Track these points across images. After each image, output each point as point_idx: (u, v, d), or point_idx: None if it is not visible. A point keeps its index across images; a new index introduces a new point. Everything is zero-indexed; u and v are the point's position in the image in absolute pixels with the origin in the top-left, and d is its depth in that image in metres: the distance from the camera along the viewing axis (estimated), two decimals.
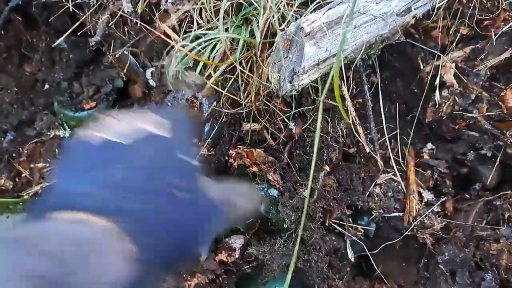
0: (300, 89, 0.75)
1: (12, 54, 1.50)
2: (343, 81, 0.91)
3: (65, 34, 1.14)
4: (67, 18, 1.33)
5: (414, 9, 0.80)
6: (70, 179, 0.53)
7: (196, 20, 0.85)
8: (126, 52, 1.26)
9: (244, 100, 0.87)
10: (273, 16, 0.75)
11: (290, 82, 0.74)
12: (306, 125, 1.01)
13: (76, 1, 1.07)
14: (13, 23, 1.36)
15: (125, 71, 1.28)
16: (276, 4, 0.75)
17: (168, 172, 0.56)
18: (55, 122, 1.39)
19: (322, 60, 0.73)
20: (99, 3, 0.99)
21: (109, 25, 0.97)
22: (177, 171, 0.57)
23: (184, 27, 0.90)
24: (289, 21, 0.78)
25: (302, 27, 0.70)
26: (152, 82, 1.31)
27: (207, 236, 0.58)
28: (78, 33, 1.23)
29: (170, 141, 0.59)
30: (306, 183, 0.97)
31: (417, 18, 0.83)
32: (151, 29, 0.92)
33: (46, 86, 1.48)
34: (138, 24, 0.97)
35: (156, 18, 0.90)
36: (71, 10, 1.14)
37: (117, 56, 1.23)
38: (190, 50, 0.84)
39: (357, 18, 0.74)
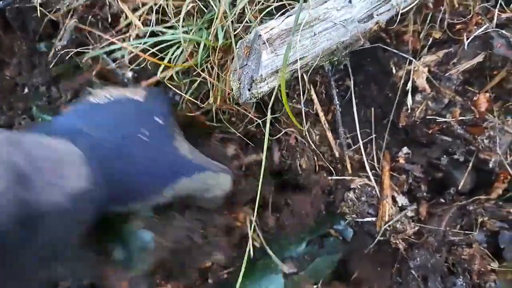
0: (259, 97, 0.75)
1: None
2: (312, 86, 0.91)
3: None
4: (45, 21, 1.34)
5: (377, 15, 0.80)
6: (68, 119, 0.76)
7: (156, 17, 0.85)
8: (104, 56, 1.26)
9: (207, 104, 0.87)
10: (231, 22, 0.75)
11: (249, 89, 0.74)
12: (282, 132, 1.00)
13: (50, 9, 1.07)
14: None
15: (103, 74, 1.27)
16: (234, 12, 0.75)
17: (141, 124, 0.74)
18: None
19: (280, 68, 0.73)
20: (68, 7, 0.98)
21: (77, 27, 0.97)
22: (150, 125, 0.75)
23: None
24: (251, 27, 0.78)
25: (260, 35, 0.69)
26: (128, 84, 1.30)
27: (170, 182, 0.73)
28: (57, 37, 1.23)
29: (148, 106, 0.78)
30: None
31: (381, 25, 0.82)
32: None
33: (26, 90, 1.47)
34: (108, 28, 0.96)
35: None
36: (47, 15, 1.14)
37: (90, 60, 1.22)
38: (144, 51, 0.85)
39: (317, 25, 0.73)
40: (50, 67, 1.39)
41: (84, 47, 1.02)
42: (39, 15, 1.08)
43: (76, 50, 0.99)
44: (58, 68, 1.38)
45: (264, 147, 0.86)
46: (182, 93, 0.87)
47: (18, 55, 1.44)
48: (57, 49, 0.99)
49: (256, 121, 0.92)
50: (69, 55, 1.01)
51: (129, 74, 1.25)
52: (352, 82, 1.09)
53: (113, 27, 1.02)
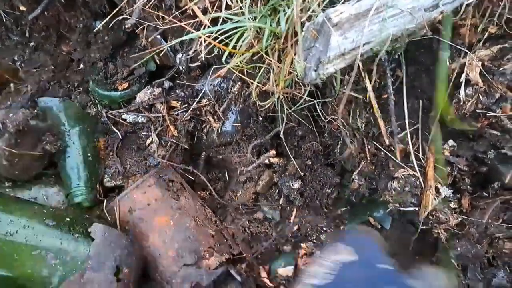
0: (324, 78, 0.78)
1: (50, 34, 1.56)
2: (366, 74, 0.94)
3: (105, 20, 1.19)
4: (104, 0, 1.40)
5: (442, 5, 0.82)
6: None
7: (226, 4, 0.89)
8: (158, 37, 1.31)
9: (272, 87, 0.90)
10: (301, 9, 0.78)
11: (315, 70, 0.77)
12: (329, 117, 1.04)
13: None
14: (53, 3, 1.42)
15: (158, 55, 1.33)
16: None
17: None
18: (88, 100, 1.45)
19: (348, 50, 0.76)
20: None
21: (145, 7, 1.01)
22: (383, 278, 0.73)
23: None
24: (314, 12, 0.81)
25: (330, 18, 0.72)
26: (181, 67, 1.35)
27: None
28: (115, 17, 1.29)
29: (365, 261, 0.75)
30: None
31: (445, 15, 0.84)
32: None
33: (81, 65, 1.54)
34: (172, 9, 1.01)
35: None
36: None
37: (150, 40, 1.28)
38: (214, 39, 0.88)
39: (385, 11, 0.76)
40: (107, 44, 1.47)
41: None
42: None
43: (142, 26, 1.02)
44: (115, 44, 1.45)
45: None
46: (250, 79, 0.90)
47: (76, 32, 1.51)
48: (126, 26, 1.03)
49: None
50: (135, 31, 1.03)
51: (183, 57, 1.30)
52: (404, 72, 1.10)
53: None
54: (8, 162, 1.16)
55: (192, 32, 0.92)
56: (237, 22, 0.85)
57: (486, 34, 1.05)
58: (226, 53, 0.91)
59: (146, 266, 1.14)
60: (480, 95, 1.06)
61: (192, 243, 1.15)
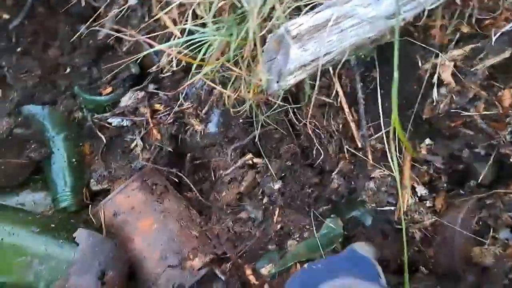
0: (286, 89, 0.79)
1: (36, 39, 1.58)
2: (337, 79, 0.95)
3: (86, 25, 1.20)
4: (86, 6, 1.41)
5: (403, 12, 0.82)
6: None
7: (192, 15, 0.90)
8: (141, 42, 1.33)
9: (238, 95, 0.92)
10: (263, 18, 0.79)
11: (277, 82, 0.79)
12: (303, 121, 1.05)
13: None
14: (37, 9, 1.44)
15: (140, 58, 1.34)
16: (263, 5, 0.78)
17: None
18: (74, 105, 1.47)
19: (308, 62, 0.77)
20: None
21: (117, 18, 1.03)
22: None
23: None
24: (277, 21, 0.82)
25: (289, 30, 0.73)
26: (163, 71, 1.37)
27: None
28: (96, 21, 1.30)
29: None
30: None
31: (407, 21, 0.85)
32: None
33: (68, 70, 1.56)
34: (145, 18, 1.02)
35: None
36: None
37: (131, 45, 1.29)
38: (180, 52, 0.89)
39: (344, 21, 0.77)
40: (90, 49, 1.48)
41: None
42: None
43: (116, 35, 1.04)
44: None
45: None
46: (222, 89, 0.92)
47: (60, 37, 1.53)
48: (99, 37, 1.05)
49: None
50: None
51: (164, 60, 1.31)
52: (378, 73, 1.11)
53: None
54: None
55: (165, 42, 0.93)
56: (202, 33, 0.86)
57: (458, 34, 1.05)
58: (195, 65, 0.93)
59: (131, 269, 1.18)
60: (453, 95, 1.07)
61: (176, 245, 1.19)
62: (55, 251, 1.07)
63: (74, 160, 1.30)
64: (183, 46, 0.93)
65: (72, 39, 1.49)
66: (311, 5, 0.80)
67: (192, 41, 0.92)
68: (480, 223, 1.08)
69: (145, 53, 1.04)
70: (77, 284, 1.05)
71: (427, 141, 1.16)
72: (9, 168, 1.21)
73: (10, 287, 1.04)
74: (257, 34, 0.78)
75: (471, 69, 1.04)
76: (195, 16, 1.00)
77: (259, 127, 1.11)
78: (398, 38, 0.72)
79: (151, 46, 1.34)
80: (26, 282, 1.03)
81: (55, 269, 1.04)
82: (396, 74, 0.74)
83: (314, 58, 0.77)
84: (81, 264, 1.06)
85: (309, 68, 0.79)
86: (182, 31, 0.94)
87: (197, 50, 0.93)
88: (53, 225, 1.11)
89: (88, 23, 1.22)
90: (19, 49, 1.57)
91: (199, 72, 0.93)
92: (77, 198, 1.27)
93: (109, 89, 1.43)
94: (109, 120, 1.41)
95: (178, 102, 1.34)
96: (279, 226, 1.30)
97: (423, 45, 1.05)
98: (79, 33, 1.41)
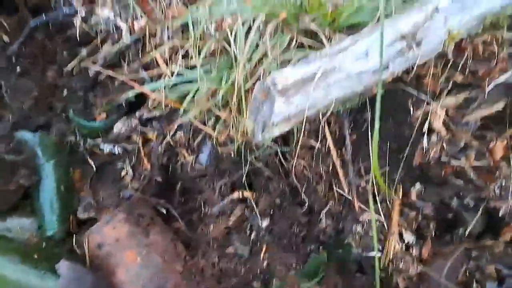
0: (271, 139, 0.79)
1: (37, 60, 1.60)
2: (326, 124, 0.94)
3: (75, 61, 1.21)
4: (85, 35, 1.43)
5: (392, 66, 0.82)
6: None
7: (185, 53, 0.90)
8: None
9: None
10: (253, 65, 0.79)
11: (262, 132, 0.78)
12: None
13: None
14: (33, 36, 1.45)
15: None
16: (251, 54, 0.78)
17: None
18: (68, 129, 1.47)
19: (292, 114, 0.77)
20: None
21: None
22: None
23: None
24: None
25: (275, 83, 0.73)
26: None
27: None
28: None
29: None
30: None
31: (396, 76, 0.84)
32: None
33: (65, 92, 1.57)
34: (139, 55, 1.03)
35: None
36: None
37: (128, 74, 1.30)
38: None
39: (331, 75, 0.76)
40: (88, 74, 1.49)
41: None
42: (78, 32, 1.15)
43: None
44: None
45: None
46: (210, 131, 0.92)
47: (59, 60, 1.54)
48: (90, 75, 1.06)
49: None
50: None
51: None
52: (369, 115, 1.11)
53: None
54: None
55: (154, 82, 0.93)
56: (189, 77, 0.86)
57: (451, 83, 1.04)
58: (182, 109, 0.93)
59: None
60: (444, 143, 1.06)
61: (159, 280, 1.17)
62: (36, 282, 1.06)
63: (62, 188, 1.29)
64: (172, 86, 0.93)
65: (70, 64, 1.51)
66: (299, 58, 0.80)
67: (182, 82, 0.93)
68: (467, 274, 1.06)
69: (135, 91, 1.03)
70: None
71: (418, 186, 1.15)
72: None
73: None
74: (245, 83, 0.77)
75: (463, 119, 1.04)
76: (187, 54, 1.00)
77: (248, 166, 1.10)
78: (380, 91, 0.71)
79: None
80: None
81: None
82: (377, 125, 0.73)
83: (298, 111, 0.77)
84: None
85: (294, 120, 0.79)
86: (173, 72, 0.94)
87: (186, 91, 0.93)
88: (36, 256, 1.10)
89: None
90: (18, 70, 1.58)
91: (188, 112, 0.93)
92: (63, 226, 1.26)
93: (103, 115, 1.43)
94: (101, 147, 1.41)
95: (171, 133, 1.34)
96: (265, 263, 1.29)
97: (415, 91, 1.05)
98: (78, 56, 1.43)
